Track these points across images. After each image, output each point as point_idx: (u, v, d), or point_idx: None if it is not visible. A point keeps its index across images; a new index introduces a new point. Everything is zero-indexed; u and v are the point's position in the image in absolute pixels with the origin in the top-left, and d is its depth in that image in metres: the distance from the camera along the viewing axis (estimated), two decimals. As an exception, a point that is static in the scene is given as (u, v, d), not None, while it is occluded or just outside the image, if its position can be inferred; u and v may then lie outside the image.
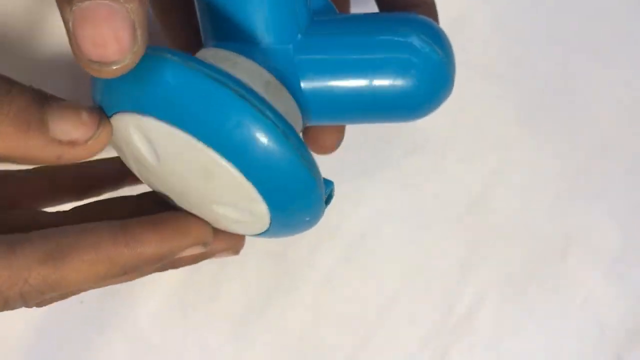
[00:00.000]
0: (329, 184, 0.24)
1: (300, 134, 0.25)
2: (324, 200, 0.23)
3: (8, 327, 0.35)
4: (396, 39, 0.23)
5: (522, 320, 0.36)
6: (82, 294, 0.36)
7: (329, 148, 0.28)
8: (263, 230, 0.23)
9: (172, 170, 0.21)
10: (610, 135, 0.38)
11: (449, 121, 0.38)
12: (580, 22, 0.39)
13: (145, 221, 0.21)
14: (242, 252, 0.36)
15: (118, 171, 0.27)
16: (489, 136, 0.38)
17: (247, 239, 0.36)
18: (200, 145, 0.19)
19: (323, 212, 0.24)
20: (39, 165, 0.24)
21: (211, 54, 0.23)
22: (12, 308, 0.20)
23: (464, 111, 0.38)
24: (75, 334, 0.36)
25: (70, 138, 0.19)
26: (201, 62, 0.19)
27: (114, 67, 0.18)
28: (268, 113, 0.19)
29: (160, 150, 0.21)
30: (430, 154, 0.37)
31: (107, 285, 0.21)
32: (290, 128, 0.20)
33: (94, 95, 0.21)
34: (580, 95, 0.38)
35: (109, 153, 0.25)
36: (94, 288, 0.21)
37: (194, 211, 0.23)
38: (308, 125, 0.26)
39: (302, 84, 0.23)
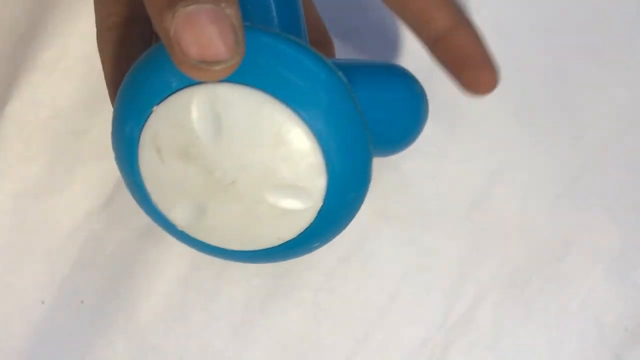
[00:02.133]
0: None
1: None
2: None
3: (8, 327, 0.35)
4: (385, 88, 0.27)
5: (522, 320, 0.36)
6: (82, 293, 0.36)
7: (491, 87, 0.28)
8: (306, 226, 0.23)
9: (233, 145, 0.21)
10: (610, 135, 0.38)
11: (448, 121, 0.38)
12: (579, 22, 0.39)
13: None
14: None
15: None
16: (489, 136, 0.38)
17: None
18: (278, 106, 0.20)
19: (364, 197, 0.24)
20: None
21: None
22: None
23: (464, 111, 0.38)
24: (75, 334, 0.36)
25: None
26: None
27: (220, 67, 0.18)
28: (348, 85, 0.21)
29: (226, 121, 0.20)
30: (430, 154, 0.37)
31: None
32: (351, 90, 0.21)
33: (142, 78, 0.22)
34: (580, 95, 0.38)
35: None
36: None
37: (232, 215, 0.23)
38: None
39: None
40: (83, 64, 0.36)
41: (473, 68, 0.26)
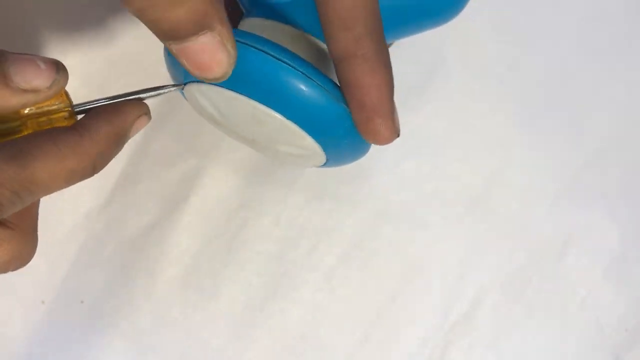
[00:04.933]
0: None
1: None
2: None
3: (8, 327, 0.35)
4: None
5: (522, 320, 0.36)
6: (82, 293, 0.36)
7: (388, 139, 0.25)
8: (324, 161, 0.27)
9: (235, 122, 0.26)
10: (609, 136, 0.38)
11: (448, 122, 0.38)
12: (579, 22, 0.39)
13: (87, 115, 0.23)
14: (242, 252, 0.36)
15: None
16: (489, 136, 0.38)
17: (246, 240, 0.37)
18: (243, 98, 0.23)
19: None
20: None
21: (247, 24, 0.27)
22: None
23: (464, 111, 0.38)
24: (75, 334, 0.36)
25: (32, 86, 0.21)
26: (245, 35, 0.23)
27: (218, 78, 0.22)
28: (287, 60, 0.23)
29: (220, 108, 0.25)
30: (430, 154, 0.37)
31: (81, 180, 0.22)
32: (310, 68, 0.23)
33: (170, 72, 0.27)
34: (580, 95, 0.38)
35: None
36: (70, 185, 0.22)
37: (266, 153, 0.29)
38: None
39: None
40: (84, 63, 0.36)
41: (359, 110, 0.24)
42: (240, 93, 0.23)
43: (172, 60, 0.25)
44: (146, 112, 0.24)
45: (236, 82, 0.23)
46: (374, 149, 0.37)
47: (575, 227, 0.37)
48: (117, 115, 0.23)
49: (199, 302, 0.36)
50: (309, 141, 0.25)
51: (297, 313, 0.36)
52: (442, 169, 0.38)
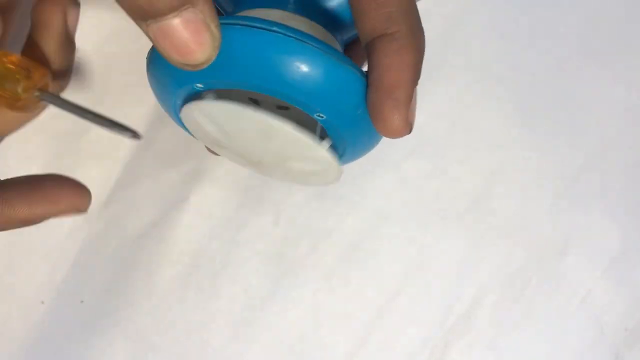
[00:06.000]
0: None
1: (340, 49, 0.26)
2: None
3: (8, 327, 0.35)
4: None
5: (521, 320, 0.36)
6: (82, 293, 0.36)
7: (397, 129, 0.22)
8: (339, 175, 0.24)
9: (242, 142, 0.24)
10: (609, 136, 0.38)
11: (448, 122, 0.38)
12: (579, 23, 0.39)
13: (22, 183, 0.23)
14: (242, 252, 0.37)
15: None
16: (489, 136, 0.38)
17: (246, 240, 0.37)
18: (248, 111, 0.21)
19: (378, 136, 0.25)
20: None
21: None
22: None
23: (464, 112, 0.38)
24: (75, 334, 0.36)
25: None
26: (229, 18, 0.21)
27: (202, 63, 0.19)
28: (290, 34, 0.20)
29: (224, 126, 0.23)
30: (430, 155, 0.37)
31: None
32: (311, 37, 0.20)
33: (160, 99, 0.25)
34: (580, 96, 0.38)
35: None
36: None
37: (275, 173, 0.27)
38: (349, 35, 0.26)
39: (322, 4, 0.24)
40: (83, 64, 0.36)
41: (381, 98, 0.21)
42: (239, 87, 0.21)
43: (160, 78, 0.23)
44: (77, 209, 0.24)
45: (234, 71, 0.21)
46: (379, 147, 0.37)
47: (575, 227, 0.37)
48: (45, 206, 0.23)
49: (199, 302, 0.36)
50: (322, 153, 0.22)
51: (297, 313, 0.36)
52: (442, 169, 0.38)
